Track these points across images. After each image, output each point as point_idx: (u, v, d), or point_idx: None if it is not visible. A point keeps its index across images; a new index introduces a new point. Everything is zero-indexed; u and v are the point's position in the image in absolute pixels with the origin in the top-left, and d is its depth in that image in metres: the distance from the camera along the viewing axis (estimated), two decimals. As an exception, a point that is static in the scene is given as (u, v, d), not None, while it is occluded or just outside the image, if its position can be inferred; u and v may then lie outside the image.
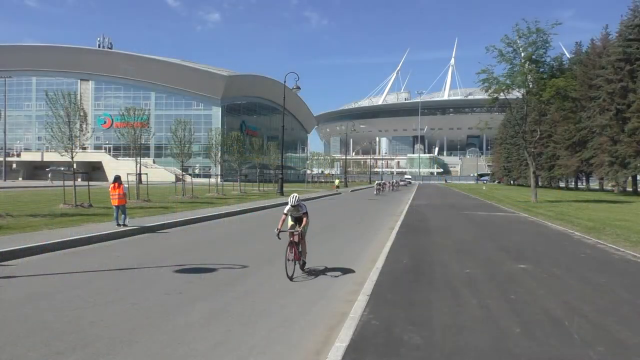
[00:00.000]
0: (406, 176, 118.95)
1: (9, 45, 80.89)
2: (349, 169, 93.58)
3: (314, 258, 10.13)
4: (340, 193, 43.65)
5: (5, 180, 62.83)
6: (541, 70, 29.36)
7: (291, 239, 7.84)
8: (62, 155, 19.68)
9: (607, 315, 5.76)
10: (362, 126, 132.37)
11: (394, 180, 70.10)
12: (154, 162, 73.16)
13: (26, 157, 77.61)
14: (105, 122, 77.50)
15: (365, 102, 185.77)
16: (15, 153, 76.98)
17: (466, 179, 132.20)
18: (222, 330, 5.33)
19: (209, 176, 59.19)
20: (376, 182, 45.47)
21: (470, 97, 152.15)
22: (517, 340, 4.83)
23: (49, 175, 57.49)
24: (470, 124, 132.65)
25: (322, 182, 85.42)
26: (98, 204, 19.71)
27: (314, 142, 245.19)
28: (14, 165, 76.64)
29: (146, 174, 28.06)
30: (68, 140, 19.10)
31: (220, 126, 64.14)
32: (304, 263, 8.34)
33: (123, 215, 13.31)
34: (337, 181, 57.71)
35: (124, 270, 8.29)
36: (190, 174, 54.47)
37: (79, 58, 77.10)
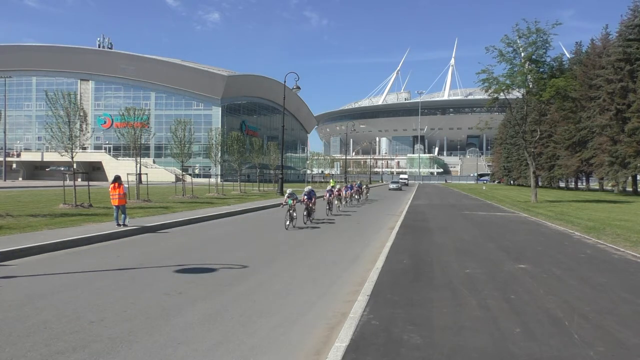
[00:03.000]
0: (402, 176, 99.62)
1: (9, 45, 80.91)
2: (349, 169, 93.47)
3: (314, 258, 10.14)
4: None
5: (5, 180, 62.83)
6: (541, 70, 29.37)
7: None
8: (62, 155, 19.69)
9: (607, 315, 5.75)
10: (362, 126, 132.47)
11: (360, 183, 33.31)
12: (154, 162, 73.20)
13: (26, 157, 77.63)
14: (105, 122, 77.52)
15: (365, 102, 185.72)
16: (15, 153, 76.98)
17: (466, 179, 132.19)
18: (222, 330, 5.33)
19: (209, 176, 59.27)
20: (287, 192, 15.82)
21: (470, 97, 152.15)
22: (517, 340, 4.83)
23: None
24: (470, 124, 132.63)
25: (322, 182, 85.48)
26: (98, 204, 19.71)
27: (314, 142, 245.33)
28: (14, 165, 76.66)
29: (146, 174, 28.07)
30: (68, 140, 19.11)
31: (220, 126, 64.17)
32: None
33: (123, 215, 13.31)
34: (332, 182, 57.19)
35: (124, 270, 8.29)
36: (190, 174, 54.56)
37: (79, 58, 77.12)
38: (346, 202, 25.26)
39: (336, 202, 22.28)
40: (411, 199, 34.33)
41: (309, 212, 16.34)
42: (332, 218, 18.91)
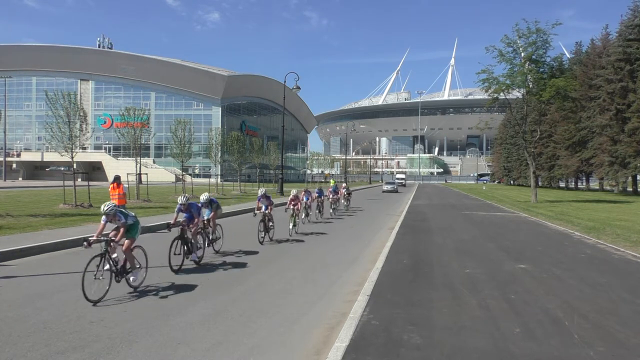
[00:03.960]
0: (398, 175, 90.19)
1: (9, 45, 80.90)
2: (349, 169, 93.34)
3: (314, 258, 10.14)
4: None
5: (5, 180, 62.81)
6: (541, 70, 29.36)
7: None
8: (62, 155, 19.71)
9: (607, 315, 5.75)
10: (362, 126, 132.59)
11: (335, 186, 21.63)
12: (154, 162, 73.19)
13: (26, 157, 77.64)
14: (105, 122, 77.53)
15: (365, 102, 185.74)
16: (15, 153, 76.98)
17: (466, 179, 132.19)
18: (222, 330, 5.33)
19: (209, 176, 59.29)
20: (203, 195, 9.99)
21: (470, 97, 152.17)
22: (517, 340, 4.83)
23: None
24: (470, 124, 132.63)
25: (322, 182, 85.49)
26: (98, 204, 19.66)
27: (314, 142, 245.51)
28: (14, 165, 76.66)
29: (146, 174, 28.10)
30: (68, 140, 19.13)
31: (220, 126, 64.15)
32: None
33: (123, 215, 13.28)
34: (332, 182, 56.12)
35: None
36: (190, 174, 54.55)
37: (79, 58, 77.12)
38: (306, 214, 16.47)
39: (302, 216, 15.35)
40: (411, 199, 34.29)
41: (188, 246, 8.56)
42: (252, 252, 10.45)
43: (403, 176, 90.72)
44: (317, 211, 18.40)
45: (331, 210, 20.34)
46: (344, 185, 26.80)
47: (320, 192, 18.80)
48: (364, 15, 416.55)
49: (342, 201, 23.61)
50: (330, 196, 20.41)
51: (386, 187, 50.11)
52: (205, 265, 8.94)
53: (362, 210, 24.56)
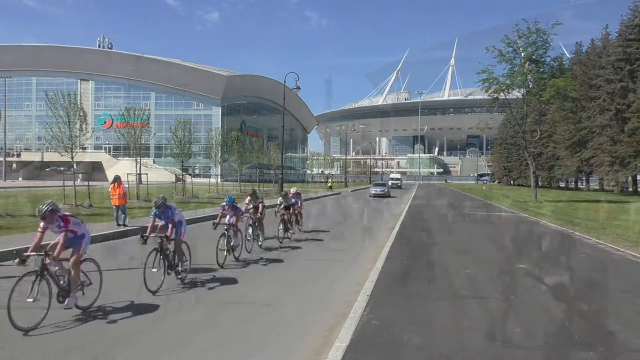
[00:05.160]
0: (392, 175, 78.61)
1: (9, 45, 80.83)
2: (349, 169, 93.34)
3: (314, 258, 10.14)
4: (340, 193, 43.57)
5: (5, 180, 62.79)
6: (541, 70, 29.38)
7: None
8: (62, 155, 19.68)
9: (607, 315, 5.75)
10: (362, 126, 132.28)
11: (231, 201, 9.33)
12: (154, 162, 73.12)
13: (26, 157, 77.57)
14: (105, 122, 77.49)
15: (365, 102, 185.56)
16: (15, 153, 76.94)
17: (466, 179, 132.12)
18: (222, 330, 5.33)
19: (209, 176, 59.25)
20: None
21: (470, 97, 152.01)
22: (517, 340, 4.83)
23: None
24: (470, 124, 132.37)
25: (321, 182, 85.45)
26: (98, 204, 19.69)
27: (314, 142, 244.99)
28: (14, 165, 76.60)
29: (146, 174, 28.09)
30: (68, 140, 19.12)
31: (220, 126, 64.08)
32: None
33: (123, 215, 13.30)
34: (330, 181, 55.39)
35: (123, 270, 8.29)
36: (190, 174, 54.53)
37: (79, 58, 77.08)
38: (170, 264, 7.24)
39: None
40: (411, 199, 34.21)
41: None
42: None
43: (398, 176, 75.71)
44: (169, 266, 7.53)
45: (229, 253, 9.13)
46: (292, 192, 14.10)
47: (169, 210, 7.73)
48: (364, 16, 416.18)
49: (255, 232, 11.19)
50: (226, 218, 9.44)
51: (374, 191, 37.19)
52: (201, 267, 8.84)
53: (320, 239, 13.02)
